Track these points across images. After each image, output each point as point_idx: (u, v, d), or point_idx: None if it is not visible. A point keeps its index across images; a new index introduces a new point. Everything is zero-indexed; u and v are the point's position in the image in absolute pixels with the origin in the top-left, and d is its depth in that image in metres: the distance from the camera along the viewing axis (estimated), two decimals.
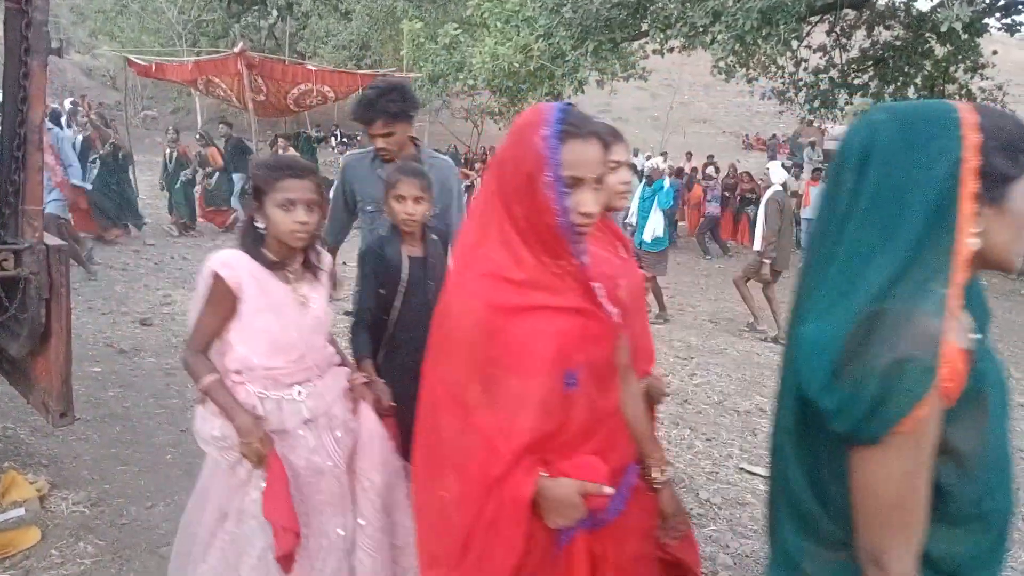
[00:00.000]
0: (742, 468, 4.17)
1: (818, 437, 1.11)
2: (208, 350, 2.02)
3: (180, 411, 4.32)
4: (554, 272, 1.42)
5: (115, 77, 28.62)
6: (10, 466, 3.36)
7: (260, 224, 1.99)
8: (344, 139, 25.14)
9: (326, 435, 2.08)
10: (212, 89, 14.26)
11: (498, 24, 13.79)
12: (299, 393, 2.04)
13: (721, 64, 13.22)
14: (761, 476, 4.04)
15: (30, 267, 2.43)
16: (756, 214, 14.45)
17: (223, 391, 1.97)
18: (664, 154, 23.35)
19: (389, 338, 2.50)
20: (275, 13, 29.10)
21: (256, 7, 29.29)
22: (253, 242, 2.01)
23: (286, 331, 2.01)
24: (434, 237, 2.60)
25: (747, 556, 3.22)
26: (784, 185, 7.60)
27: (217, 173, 11.86)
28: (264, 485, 1.94)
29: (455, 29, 15.44)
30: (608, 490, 1.43)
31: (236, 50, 13.20)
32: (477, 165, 13.07)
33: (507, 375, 1.38)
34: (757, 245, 7.54)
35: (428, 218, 2.53)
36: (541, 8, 13.16)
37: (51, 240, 2.58)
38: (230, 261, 1.96)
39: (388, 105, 2.68)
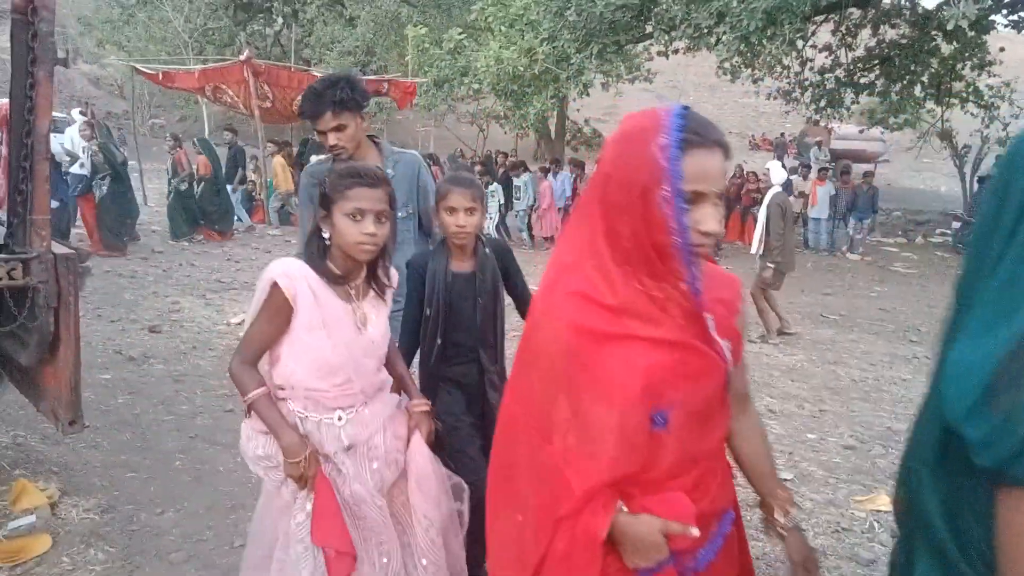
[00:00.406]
0: (845, 444, 4.15)
1: (960, 470, 0.98)
2: (258, 362, 1.91)
3: (189, 417, 4.33)
4: (654, 297, 1.28)
5: (122, 86, 28.83)
6: (21, 474, 3.38)
7: (326, 234, 1.89)
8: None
9: (363, 464, 1.98)
10: (219, 96, 14.36)
11: (502, 28, 13.81)
12: (340, 419, 1.93)
13: (726, 65, 13.20)
14: None
15: (38, 276, 2.45)
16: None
17: (270, 407, 1.86)
18: None
19: (435, 355, 2.42)
20: (280, 20, 29.24)
21: (261, 15, 29.43)
22: (317, 253, 1.90)
23: (336, 352, 1.88)
24: (487, 251, 2.47)
25: (758, 558, 3.20)
26: (786, 185, 7.52)
27: (203, 182, 11.41)
28: (310, 508, 1.87)
29: (459, 34, 15.48)
30: (695, 531, 1.28)
31: (242, 57, 13.31)
32: (477, 167, 13.16)
33: (589, 405, 1.27)
34: (754, 248, 7.42)
35: (480, 230, 2.42)
36: (545, 12, 13.17)
37: (59, 249, 2.59)
38: (290, 271, 1.84)
39: (335, 94, 2.49)
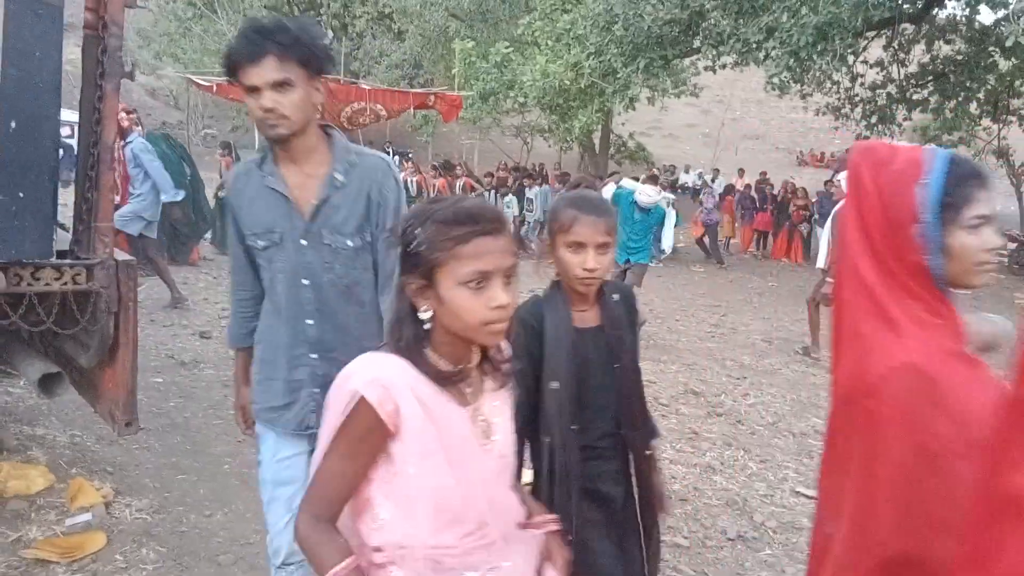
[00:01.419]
0: (798, 491, 4.08)
1: None
2: (338, 516, 1.29)
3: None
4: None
5: (178, 97, 29.68)
6: (78, 472, 3.49)
7: (426, 314, 1.27)
8: (396, 155, 25.62)
9: None
10: None
11: (549, 42, 13.90)
12: None
13: (775, 80, 13.10)
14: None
15: (101, 282, 2.53)
16: (808, 232, 14.26)
17: None
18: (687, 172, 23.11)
19: (567, 445, 1.78)
20: (330, 34, 29.84)
21: None
22: (414, 342, 1.28)
23: (464, 487, 1.29)
24: (615, 297, 1.88)
25: None
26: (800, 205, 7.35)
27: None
28: None
29: (506, 48, 15.61)
30: None
31: None
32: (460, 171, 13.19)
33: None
34: (820, 262, 7.14)
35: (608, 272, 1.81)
36: (592, 26, 13.23)
37: (120, 255, 2.68)
38: (384, 376, 1.24)
39: (286, 36, 1.75)
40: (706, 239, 14.17)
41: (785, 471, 4.38)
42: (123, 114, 5.93)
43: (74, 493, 3.20)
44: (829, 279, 6.72)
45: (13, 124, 2.23)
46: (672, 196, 8.39)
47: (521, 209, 13.16)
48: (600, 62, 12.99)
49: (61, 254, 2.57)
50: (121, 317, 2.69)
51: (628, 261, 7.25)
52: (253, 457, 3.92)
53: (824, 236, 7.11)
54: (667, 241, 7.54)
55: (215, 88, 14.50)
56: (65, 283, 2.48)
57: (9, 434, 3.82)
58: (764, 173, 18.68)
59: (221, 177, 11.73)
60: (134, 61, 34.06)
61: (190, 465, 3.78)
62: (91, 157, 2.48)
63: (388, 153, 17.48)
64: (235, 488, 3.57)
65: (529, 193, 13.11)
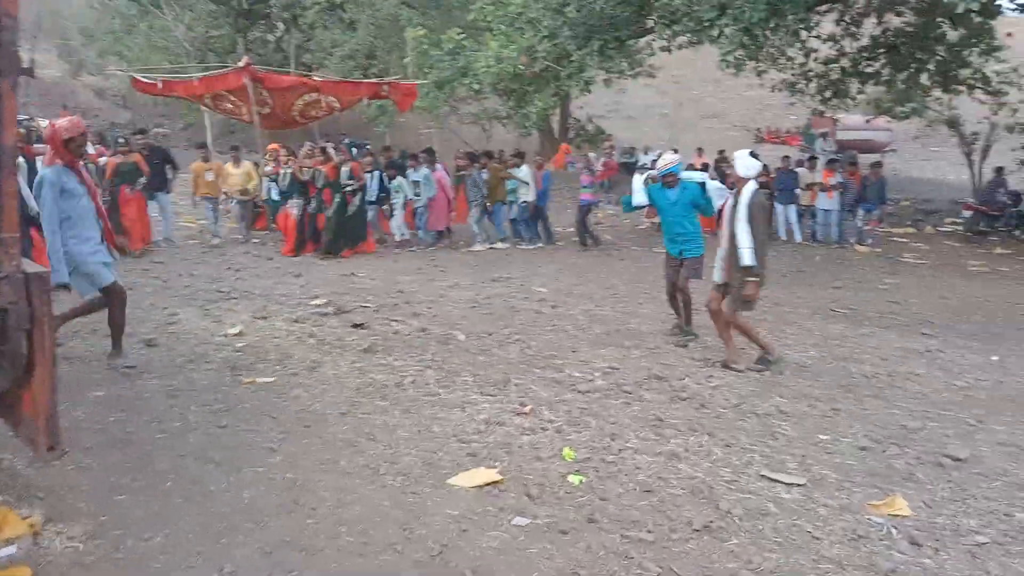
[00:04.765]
0: (764, 475, 4.01)
1: None
2: None
3: (180, 434, 4.23)
4: None
5: (126, 97, 28.87)
6: (4, 500, 3.27)
7: None
8: (354, 147, 25.16)
9: None
10: (219, 104, 14.28)
11: (502, 27, 13.68)
12: None
13: (729, 58, 13.03)
14: (783, 483, 3.89)
15: (7, 297, 2.34)
16: (771, 209, 14.21)
17: None
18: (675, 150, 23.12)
19: None
20: (281, 26, 29.19)
21: (262, 21, 29.39)
22: None
23: None
24: None
25: (772, 572, 3.07)
26: (762, 181, 6.34)
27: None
28: None
29: (458, 34, 15.35)
30: None
31: (241, 64, 13.22)
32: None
33: None
34: (748, 259, 5.74)
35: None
36: (544, 9, 13.03)
37: (31, 267, 2.48)
38: None
39: None
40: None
41: (750, 454, 4.30)
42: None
43: None
44: (751, 279, 5.77)
45: None
46: (704, 175, 7.97)
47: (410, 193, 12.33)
48: (554, 45, 12.81)
49: None
50: (35, 334, 2.49)
51: (682, 254, 6.81)
52: (197, 472, 3.76)
53: (742, 227, 5.77)
54: (709, 211, 6.98)
55: (159, 86, 14.03)
56: None
57: None
58: (722, 151, 18.69)
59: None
60: (77, 60, 32.99)
61: (129, 484, 3.59)
62: None
63: (345, 146, 17.15)
64: (177, 506, 3.39)
65: (415, 175, 12.20)
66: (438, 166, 12.77)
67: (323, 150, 11.60)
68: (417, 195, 12.20)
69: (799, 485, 3.88)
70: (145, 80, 14.47)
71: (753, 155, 6.01)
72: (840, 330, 7.59)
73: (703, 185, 7.14)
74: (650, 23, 13.67)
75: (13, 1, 2.22)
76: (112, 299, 5.27)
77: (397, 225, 12.41)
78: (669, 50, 14.86)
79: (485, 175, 12.49)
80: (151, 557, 2.98)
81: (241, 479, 3.72)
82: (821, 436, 4.61)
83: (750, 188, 5.89)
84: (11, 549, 2.88)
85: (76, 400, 4.60)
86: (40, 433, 2.59)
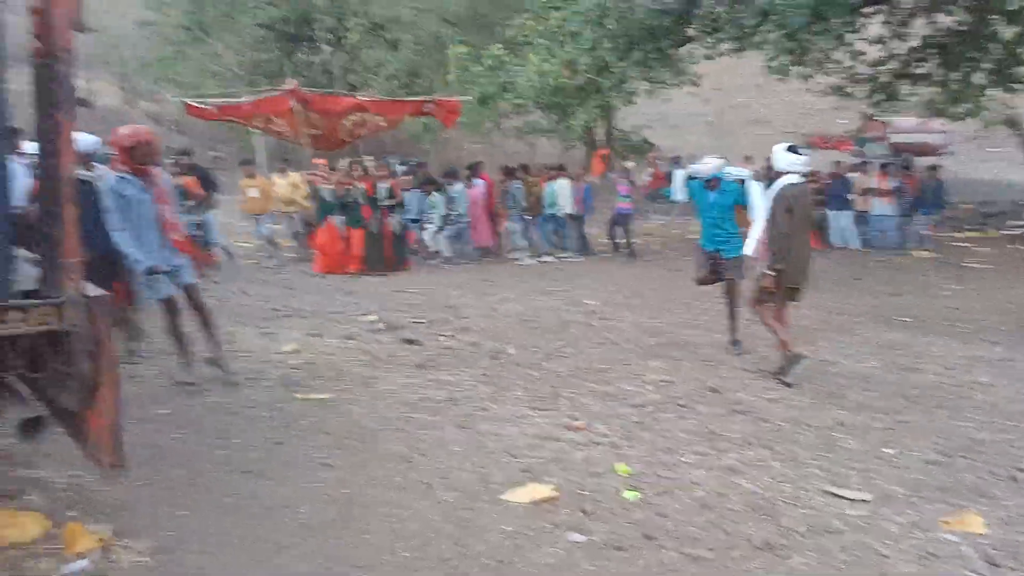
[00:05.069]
0: (826, 490, 3.89)
1: None
2: None
3: (242, 451, 4.30)
4: None
5: (181, 122, 29.69)
6: (75, 516, 3.36)
7: None
8: (402, 165, 25.46)
9: None
10: (269, 126, 14.59)
11: (542, 41, 13.73)
12: None
13: (773, 64, 12.85)
14: (847, 499, 3.77)
15: (72, 320, 2.41)
16: (823, 216, 13.90)
17: None
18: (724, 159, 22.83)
19: None
20: (326, 48, 29.76)
21: (308, 43, 30.01)
22: None
23: None
24: None
25: None
26: (805, 175, 6.10)
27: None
28: None
29: (499, 50, 15.45)
30: None
31: (288, 87, 13.49)
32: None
33: None
34: (750, 249, 6.25)
35: None
36: (584, 22, 13.03)
37: (93, 291, 2.55)
38: None
39: None
40: None
41: (811, 469, 4.19)
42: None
43: (70, 539, 3.08)
44: (769, 272, 5.74)
45: None
46: (748, 172, 7.78)
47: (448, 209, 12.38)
48: (595, 58, 12.78)
49: (31, 294, 2.44)
50: (99, 356, 2.55)
51: (718, 252, 6.73)
52: (253, 489, 3.81)
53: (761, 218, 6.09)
54: (753, 212, 6.89)
55: (211, 110, 14.40)
56: (32, 324, 2.35)
57: (6, 478, 3.70)
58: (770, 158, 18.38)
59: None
60: (133, 88, 34.12)
61: (192, 500, 3.65)
62: (52, 192, 2.35)
63: (386, 163, 17.35)
64: (236, 522, 3.44)
65: (451, 191, 12.31)
66: (477, 181, 12.84)
67: (363, 166, 11.76)
68: (452, 211, 12.31)
69: (864, 501, 3.76)
70: (197, 105, 14.88)
71: (792, 149, 5.87)
72: (901, 339, 7.38)
73: (743, 183, 7.06)
74: (691, 32, 13.56)
75: (68, 36, 2.30)
76: (167, 310, 5.38)
77: (430, 236, 12.44)
78: (712, 58, 14.71)
79: (521, 188, 12.58)
80: (212, 571, 3.02)
81: (298, 495, 3.75)
82: (885, 449, 4.47)
83: (781, 182, 5.82)
84: (83, 563, 2.95)
85: (141, 417, 4.70)
86: (104, 451, 2.65)
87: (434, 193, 12.24)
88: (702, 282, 7.09)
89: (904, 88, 15.77)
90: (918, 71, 15.29)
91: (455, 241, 12.55)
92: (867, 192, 13.33)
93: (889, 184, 13.15)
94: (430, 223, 12.31)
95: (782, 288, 5.83)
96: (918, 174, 14.15)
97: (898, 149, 23.33)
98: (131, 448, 4.08)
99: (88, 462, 3.16)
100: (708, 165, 6.85)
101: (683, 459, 4.31)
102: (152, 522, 3.39)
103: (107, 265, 5.48)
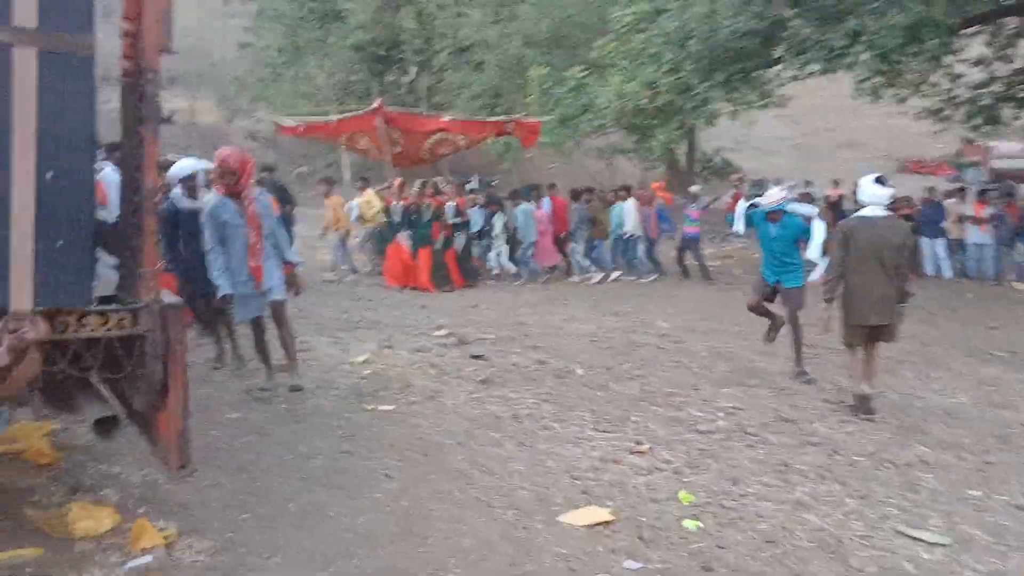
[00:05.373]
0: (901, 531, 3.69)
1: None
2: None
3: (306, 458, 4.39)
4: None
5: (273, 139, 30.96)
6: (146, 512, 3.50)
7: None
8: (482, 183, 25.80)
9: None
10: (353, 144, 15.05)
11: (624, 63, 13.70)
12: None
13: (865, 86, 12.43)
14: (924, 542, 3.56)
15: (146, 326, 2.53)
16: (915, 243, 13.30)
17: None
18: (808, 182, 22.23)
19: None
20: (414, 70, 30.57)
21: (396, 65, 30.91)
22: None
23: None
24: None
25: None
26: (891, 207, 5.78)
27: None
28: None
29: (580, 71, 15.50)
30: None
31: (374, 105, 13.90)
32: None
33: None
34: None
35: None
36: (666, 43, 12.93)
37: (168, 298, 2.67)
38: None
39: None
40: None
41: (887, 508, 3.98)
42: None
43: (137, 534, 3.21)
44: (824, 301, 5.63)
45: (50, 175, 2.25)
46: (815, 208, 7.55)
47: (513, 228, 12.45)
48: (676, 79, 12.65)
49: (109, 299, 2.58)
50: (170, 360, 2.67)
51: (778, 282, 6.70)
52: (317, 497, 3.88)
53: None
54: (812, 251, 6.78)
55: (299, 129, 14.96)
56: (110, 328, 2.48)
57: (85, 473, 3.90)
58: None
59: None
60: (232, 107, 35.82)
61: (255, 504, 3.75)
62: (133, 204, 2.48)
63: (471, 181, 17.56)
64: (297, 528, 3.51)
65: (518, 211, 12.33)
66: (545, 201, 12.92)
67: (436, 186, 11.96)
68: (516, 230, 12.39)
69: (943, 545, 3.54)
70: (288, 124, 15.50)
71: (880, 181, 5.61)
72: (995, 374, 6.95)
73: (809, 219, 6.86)
74: (778, 53, 13.27)
75: (155, 56, 2.43)
76: (254, 328, 5.65)
77: (494, 257, 12.51)
78: (799, 80, 14.36)
79: (586, 209, 12.58)
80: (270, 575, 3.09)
81: (358, 505, 3.81)
82: (970, 491, 4.21)
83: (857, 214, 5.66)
84: (147, 559, 3.07)
85: (213, 421, 4.89)
86: (172, 452, 2.76)
87: (498, 212, 12.36)
88: (753, 309, 6.99)
89: (1007, 111, 15.01)
90: (1022, 94, 14.53)
91: (520, 260, 12.65)
92: (962, 219, 12.67)
93: (987, 212, 12.47)
94: (494, 242, 12.41)
95: (851, 326, 5.59)
96: (1020, 202, 13.37)
97: (1000, 175, 22.18)
98: (201, 450, 4.26)
99: (157, 462, 3.30)
100: (772, 198, 6.71)
101: (749, 490, 4.17)
102: (215, 523, 3.50)
103: (198, 282, 5.82)
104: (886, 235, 5.42)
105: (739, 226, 7.11)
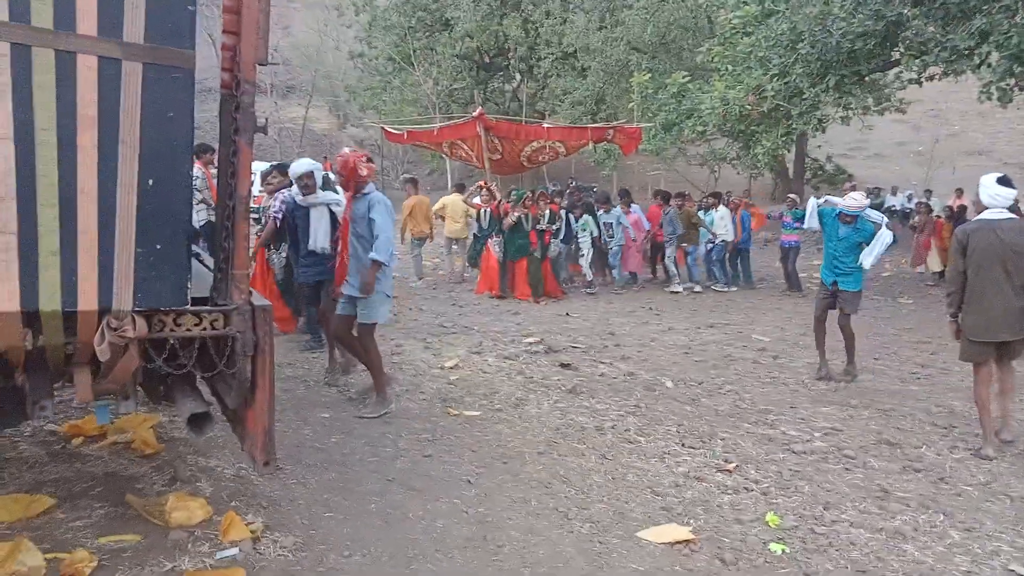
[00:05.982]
0: (1013, 570, 3.41)
1: None
2: None
3: (391, 460, 4.49)
4: None
5: (381, 146, 32.01)
6: (236, 505, 3.67)
7: None
8: (579, 190, 25.71)
9: None
10: (455, 151, 15.34)
11: (729, 67, 13.35)
12: None
13: (992, 89, 11.60)
14: None
15: (237, 326, 2.65)
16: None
17: None
18: (928, 191, 21.01)
19: None
20: (518, 77, 30.89)
21: (501, 72, 31.33)
22: None
23: None
24: None
25: None
26: (1014, 209, 5.15)
27: None
28: None
29: (683, 77, 15.24)
30: None
31: (475, 113, 14.12)
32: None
33: None
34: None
35: None
36: (774, 47, 12.51)
37: (258, 300, 2.79)
38: None
39: None
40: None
41: (997, 543, 3.69)
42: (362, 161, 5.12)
43: (226, 527, 3.36)
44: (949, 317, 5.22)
45: (151, 181, 2.39)
46: (884, 217, 7.23)
47: (599, 232, 12.23)
48: (784, 83, 12.20)
49: (201, 301, 2.72)
50: (258, 360, 2.79)
51: (836, 284, 6.71)
52: (399, 498, 3.96)
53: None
54: (867, 259, 6.55)
55: (404, 136, 15.38)
56: (204, 328, 2.62)
57: (185, 465, 4.13)
58: None
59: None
60: (343, 115, 37.16)
61: (339, 503, 3.86)
62: (227, 209, 2.61)
63: (570, 188, 17.51)
64: (376, 529, 3.59)
65: (607, 217, 12.17)
66: (634, 207, 12.81)
67: (534, 192, 11.95)
68: (611, 236, 12.26)
69: None
70: (393, 131, 15.98)
71: (1003, 181, 4.99)
72: None
73: (877, 226, 6.65)
74: (896, 55, 12.60)
75: (251, 68, 2.56)
76: (363, 332, 5.41)
77: (586, 265, 12.37)
78: (920, 83, 13.58)
79: (677, 216, 12.30)
80: (347, 574, 3.17)
81: (437, 509, 3.86)
82: None
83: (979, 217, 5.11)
84: (234, 551, 3.21)
85: (306, 419, 5.08)
86: (258, 449, 2.88)
87: (585, 216, 12.20)
88: (820, 320, 6.92)
89: None
90: None
91: (610, 265, 12.56)
92: None
93: None
94: (582, 246, 12.30)
95: (973, 343, 5.08)
96: None
97: None
98: (292, 448, 4.44)
99: (247, 457, 3.45)
100: (853, 203, 6.56)
101: (843, 516, 3.96)
102: (300, 519, 3.63)
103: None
104: (1010, 239, 4.89)
105: (812, 222, 6.93)
